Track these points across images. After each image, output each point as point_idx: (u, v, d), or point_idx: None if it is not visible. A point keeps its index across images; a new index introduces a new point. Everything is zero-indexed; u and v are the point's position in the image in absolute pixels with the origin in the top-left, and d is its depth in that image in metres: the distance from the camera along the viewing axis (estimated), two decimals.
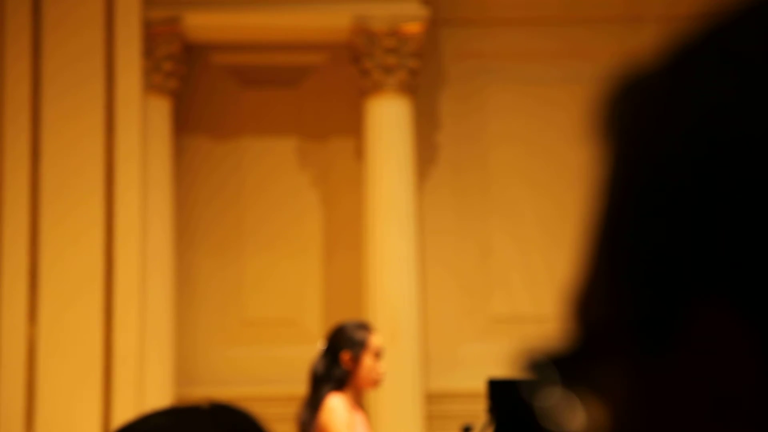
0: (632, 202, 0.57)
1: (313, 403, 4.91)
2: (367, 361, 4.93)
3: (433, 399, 7.47)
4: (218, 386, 7.42)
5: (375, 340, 4.99)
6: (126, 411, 6.89)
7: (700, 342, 0.53)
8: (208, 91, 7.94)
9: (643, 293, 0.54)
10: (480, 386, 5.04)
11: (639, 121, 0.58)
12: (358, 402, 5.00)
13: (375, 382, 5.00)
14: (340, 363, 4.91)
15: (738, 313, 0.51)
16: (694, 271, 0.53)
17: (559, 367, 0.60)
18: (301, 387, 5.17)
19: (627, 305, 0.55)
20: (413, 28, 7.54)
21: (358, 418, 4.95)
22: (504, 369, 7.16)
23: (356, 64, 7.62)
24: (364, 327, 5.04)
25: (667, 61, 0.58)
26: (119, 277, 7.13)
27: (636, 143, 0.58)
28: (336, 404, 4.86)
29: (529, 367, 0.59)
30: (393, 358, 7.20)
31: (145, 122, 7.34)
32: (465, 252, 7.81)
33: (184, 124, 7.81)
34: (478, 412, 5.19)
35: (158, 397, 7.00)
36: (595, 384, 0.57)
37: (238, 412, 1.45)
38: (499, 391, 4.79)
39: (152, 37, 7.45)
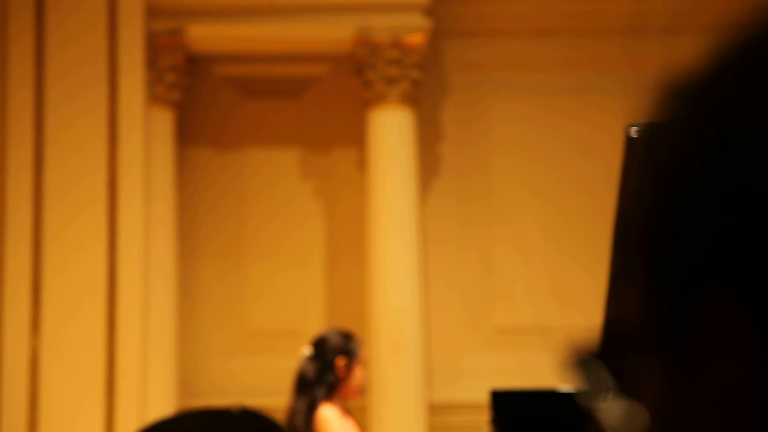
0: (661, 208, 0.60)
1: (308, 408, 4.95)
2: (358, 371, 5.02)
3: (435, 410, 7.47)
4: (221, 397, 7.41)
5: (365, 351, 5.12)
6: (128, 422, 6.89)
7: (708, 336, 0.57)
8: (210, 101, 7.95)
9: (665, 290, 0.59)
10: (483, 397, 5.03)
11: (675, 131, 0.60)
12: (346, 409, 5.07)
13: (360, 392, 5.11)
14: (334, 369, 4.97)
15: (741, 309, 0.55)
16: (706, 270, 0.57)
17: (603, 363, 0.63)
18: None
19: (653, 302, 0.59)
20: (416, 39, 7.55)
21: (349, 425, 5.01)
22: (507, 380, 7.16)
23: (359, 75, 7.63)
24: (353, 337, 5.14)
25: (708, 74, 0.60)
26: (122, 287, 7.12)
27: (667, 155, 0.61)
28: (329, 414, 4.91)
29: (576, 366, 0.62)
30: (395, 369, 7.20)
31: (148, 132, 7.35)
32: (468, 262, 7.81)
33: (186, 135, 7.82)
34: (481, 423, 5.19)
35: (161, 408, 7.00)
36: (633, 379, 0.60)
37: (266, 418, 1.45)
38: (503, 403, 4.77)
39: (155, 48, 7.46)
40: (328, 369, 5.01)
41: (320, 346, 5.08)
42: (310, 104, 7.97)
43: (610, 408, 0.62)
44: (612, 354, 0.63)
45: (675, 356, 0.58)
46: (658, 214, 0.59)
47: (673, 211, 0.58)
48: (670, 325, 0.58)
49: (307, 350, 5.14)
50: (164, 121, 7.49)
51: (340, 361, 5.01)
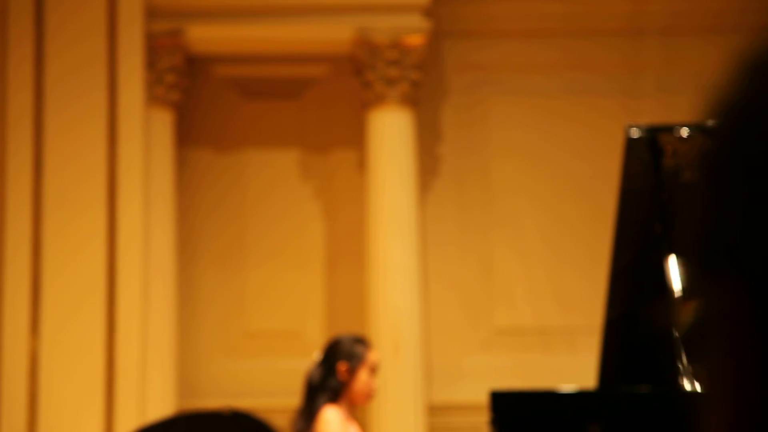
0: (714, 191, 0.63)
1: (309, 412, 4.97)
2: (363, 375, 5.03)
3: (435, 411, 7.47)
4: (220, 398, 7.41)
5: (372, 355, 5.10)
6: (128, 423, 6.89)
7: (723, 317, 0.61)
8: (210, 103, 7.95)
9: (702, 272, 0.63)
10: (482, 398, 5.02)
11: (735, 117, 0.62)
12: (352, 414, 5.07)
13: (368, 396, 5.10)
14: (336, 374, 4.99)
15: (746, 295, 0.60)
16: (729, 255, 0.61)
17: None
18: None
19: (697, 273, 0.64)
20: (415, 40, 7.55)
21: (352, 429, 5.01)
22: (507, 381, 7.16)
23: (358, 76, 7.63)
24: (363, 342, 5.14)
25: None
26: (121, 289, 7.12)
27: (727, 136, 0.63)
28: (331, 416, 4.92)
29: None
30: (395, 370, 7.20)
31: (147, 134, 7.35)
32: (467, 263, 7.81)
33: (186, 136, 7.82)
34: (481, 424, 5.19)
35: (160, 409, 7.00)
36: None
37: (257, 420, 1.47)
38: (502, 404, 4.77)
39: (155, 49, 7.46)
40: (331, 373, 5.02)
41: (329, 350, 5.11)
42: (310, 105, 7.97)
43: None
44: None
45: (713, 334, 0.62)
46: (711, 199, 0.62)
47: (721, 195, 0.61)
48: (710, 303, 0.62)
49: (317, 355, 5.16)
50: (164, 122, 7.49)
51: (342, 366, 5.02)
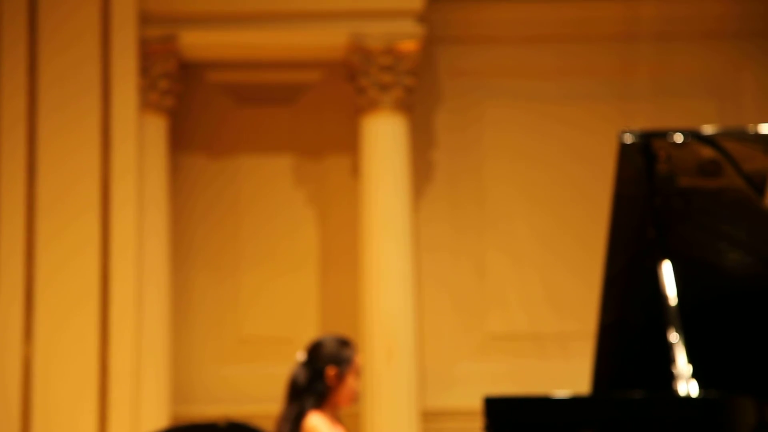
0: None
1: (295, 417, 4.91)
2: (350, 379, 4.96)
3: (429, 417, 7.46)
4: (214, 404, 7.41)
5: (358, 358, 5.03)
6: (122, 429, 6.88)
7: None
8: (204, 108, 7.94)
9: None
10: (477, 404, 5.02)
11: None
12: (336, 417, 5.02)
13: (352, 400, 5.03)
14: (324, 378, 4.93)
15: None
16: None
17: None
18: None
19: None
20: (409, 45, 7.55)
21: None
22: (501, 386, 7.16)
23: (352, 82, 7.63)
24: (349, 344, 5.05)
25: None
26: (115, 294, 7.11)
27: None
28: (317, 423, 4.87)
29: None
30: (389, 375, 7.19)
31: (141, 139, 7.34)
32: (461, 269, 7.81)
33: (179, 142, 7.82)
34: (475, 430, 5.19)
35: (154, 415, 6.99)
36: None
37: (254, 430, 1.47)
38: (496, 409, 4.77)
39: (148, 55, 7.46)
40: (318, 378, 4.95)
41: (313, 352, 5.03)
42: (304, 111, 7.97)
43: None
44: None
45: None
46: None
47: None
48: None
49: (301, 356, 5.09)
50: (157, 127, 7.49)
51: (330, 371, 4.96)
